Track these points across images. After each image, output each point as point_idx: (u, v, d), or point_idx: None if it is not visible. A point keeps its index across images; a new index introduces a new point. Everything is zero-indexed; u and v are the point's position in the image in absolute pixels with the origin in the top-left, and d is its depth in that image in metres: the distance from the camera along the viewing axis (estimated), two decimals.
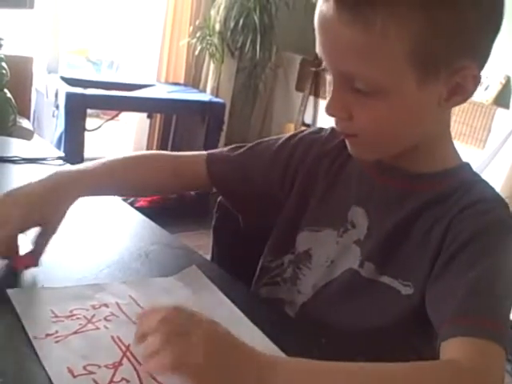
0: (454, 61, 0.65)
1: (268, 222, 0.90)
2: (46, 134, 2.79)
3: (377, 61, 0.65)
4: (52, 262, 0.82)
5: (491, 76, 2.72)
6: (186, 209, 2.88)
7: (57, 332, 0.63)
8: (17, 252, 0.75)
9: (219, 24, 3.11)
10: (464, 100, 0.69)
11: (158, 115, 3.29)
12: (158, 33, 3.18)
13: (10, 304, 0.67)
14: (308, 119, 3.41)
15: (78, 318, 0.67)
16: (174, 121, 3.33)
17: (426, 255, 0.70)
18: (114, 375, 0.58)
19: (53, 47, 2.93)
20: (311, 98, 3.36)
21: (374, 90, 0.66)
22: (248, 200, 0.91)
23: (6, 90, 2.34)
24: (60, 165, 1.26)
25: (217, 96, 3.21)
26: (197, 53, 3.16)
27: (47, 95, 2.75)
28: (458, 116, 2.70)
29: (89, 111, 2.78)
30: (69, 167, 0.85)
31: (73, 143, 2.61)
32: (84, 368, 0.58)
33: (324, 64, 0.69)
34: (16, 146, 1.40)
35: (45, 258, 0.83)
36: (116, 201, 1.17)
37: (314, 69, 3.21)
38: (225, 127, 3.17)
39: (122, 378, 0.58)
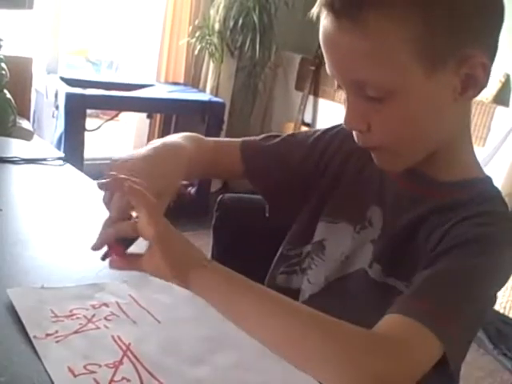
0: (458, 50, 0.65)
1: (295, 212, 0.90)
2: (46, 135, 2.79)
3: (381, 63, 0.65)
4: (52, 261, 0.82)
5: (491, 74, 2.72)
6: (185, 209, 2.88)
7: (57, 332, 0.63)
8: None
9: (218, 23, 3.11)
10: (478, 92, 0.68)
11: (158, 115, 3.29)
12: (157, 32, 3.18)
13: (10, 304, 0.67)
14: (308, 118, 3.41)
15: (78, 318, 0.67)
16: (174, 121, 3.33)
17: (425, 258, 0.70)
18: (114, 374, 0.58)
19: (52, 48, 2.93)
20: (311, 97, 3.36)
21: (385, 95, 0.66)
22: (280, 189, 0.90)
23: (5, 91, 2.33)
24: (60, 165, 1.26)
25: (216, 95, 3.21)
26: (196, 52, 3.16)
27: (47, 96, 2.75)
28: None
29: (88, 111, 2.78)
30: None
31: (73, 143, 2.61)
32: (84, 367, 0.58)
33: (336, 82, 0.70)
34: (16, 147, 1.40)
35: (45, 257, 0.83)
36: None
37: (313, 68, 3.21)
38: (224, 126, 3.17)
39: (123, 378, 0.58)
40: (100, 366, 0.59)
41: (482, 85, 0.67)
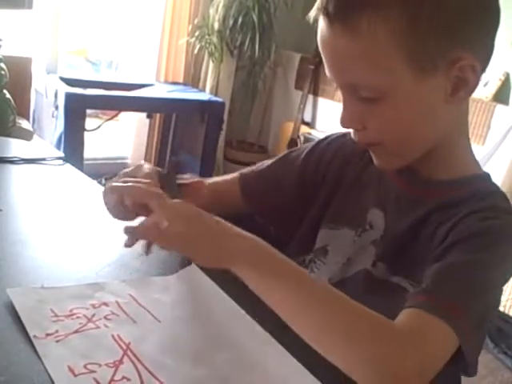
0: (448, 53, 0.66)
1: (298, 225, 0.91)
2: (46, 135, 2.79)
3: (373, 66, 0.66)
4: (52, 261, 0.82)
5: (490, 72, 2.72)
6: None
7: (57, 331, 0.63)
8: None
9: (218, 23, 3.11)
10: (469, 94, 0.69)
11: (158, 115, 3.29)
12: (156, 32, 3.18)
13: (10, 303, 0.67)
14: (307, 117, 3.41)
15: (78, 317, 0.67)
16: (174, 120, 3.33)
17: (430, 254, 0.71)
18: (114, 374, 0.58)
19: (52, 47, 2.93)
20: (310, 96, 3.36)
21: (378, 96, 0.68)
22: (281, 211, 0.93)
23: (5, 91, 2.34)
24: (60, 165, 1.26)
25: (216, 95, 3.21)
26: (196, 52, 3.16)
27: (46, 95, 2.75)
28: None
29: (88, 111, 2.78)
30: None
31: (72, 143, 2.61)
32: (85, 367, 0.58)
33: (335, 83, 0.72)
34: (15, 147, 1.40)
35: (45, 257, 0.83)
36: None
37: (312, 67, 3.21)
38: (224, 126, 3.17)
39: (123, 377, 0.58)
40: (100, 365, 0.59)
41: (472, 87, 0.68)
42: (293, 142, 3.32)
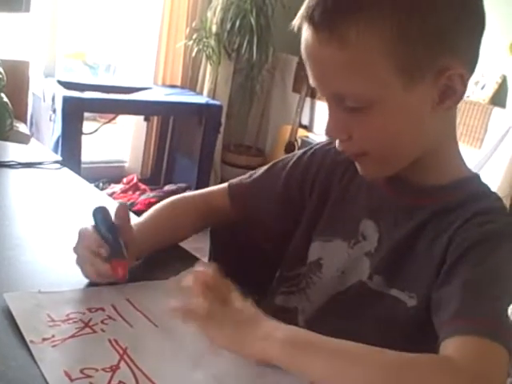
0: (435, 61, 0.65)
1: (289, 237, 0.91)
2: (44, 138, 2.78)
3: (360, 76, 0.66)
4: (49, 265, 0.82)
5: (487, 75, 2.73)
6: None
7: (53, 336, 0.63)
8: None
9: (216, 26, 3.12)
10: (456, 102, 0.69)
11: (155, 118, 3.29)
12: (154, 35, 3.18)
13: (6, 308, 0.67)
14: (305, 120, 3.41)
15: (74, 322, 0.67)
16: (171, 123, 3.33)
17: (430, 265, 0.71)
18: (111, 378, 0.58)
19: (49, 51, 2.93)
20: (308, 100, 3.36)
21: (364, 105, 0.67)
22: (270, 224, 0.93)
23: (2, 95, 2.33)
24: (57, 169, 1.26)
25: (214, 98, 3.21)
26: (193, 55, 3.16)
27: (44, 99, 2.75)
28: None
29: (86, 114, 2.77)
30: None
31: (70, 147, 2.60)
32: (81, 372, 0.58)
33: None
34: (13, 151, 1.40)
35: (42, 262, 0.83)
36: (113, 204, 1.17)
37: None
38: (222, 129, 3.17)
39: (120, 382, 0.58)
40: (97, 370, 0.59)
41: (460, 95, 0.68)
42: (290, 145, 3.32)
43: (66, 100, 2.56)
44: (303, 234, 0.88)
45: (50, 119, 2.65)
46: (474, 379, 0.57)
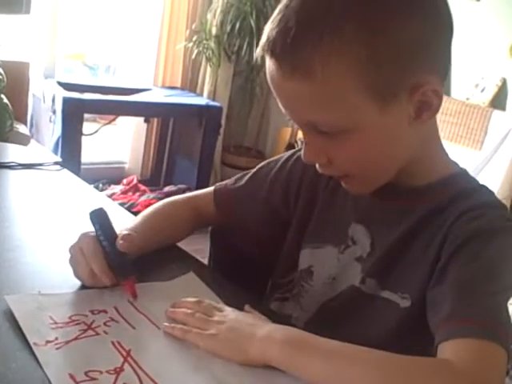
0: (408, 81, 0.64)
1: (279, 243, 0.90)
2: (44, 139, 2.78)
3: (330, 106, 0.64)
4: (49, 267, 0.81)
5: (487, 78, 2.73)
6: None
7: (57, 339, 0.63)
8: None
9: (216, 28, 3.12)
10: (432, 115, 0.68)
11: (155, 119, 3.29)
12: (154, 37, 3.18)
13: (7, 310, 0.67)
14: None
15: (77, 324, 0.67)
16: (171, 125, 3.33)
17: (425, 264, 0.71)
18: (116, 380, 0.58)
19: (49, 52, 2.93)
20: None
21: (340, 131, 0.65)
22: (255, 230, 0.93)
23: (2, 96, 2.33)
24: (57, 170, 1.26)
25: (214, 100, 3.21)
26: (193, 57, 3.16)
27: (44, 100, 2.75)
28: (455, 118, 2.70)
29: (86, 116, 2.77)
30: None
31: (70, 148, 2.60)
32: (86, 374, 0.58)
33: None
34: (13, 152, 1.39)
35: (42, 263, 0.83)
36: (113, 206, 1.17)
37: None
38: (222, 131, 3.17)
39: None
40: (101, 372, 0.59)
41: (436, 108, 0.67)
42: (290, 147, 3.32)
43: (65, 101, 2.56)
44: (292, 241, 0.87)
45: (50, 120, 2.65)
46: (472, 382, 0.57)
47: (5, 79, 2.35)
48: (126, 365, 0.61)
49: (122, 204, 2.63)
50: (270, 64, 0.65)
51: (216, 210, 0.94)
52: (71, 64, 4.36)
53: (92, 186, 1.28)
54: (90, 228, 0.78)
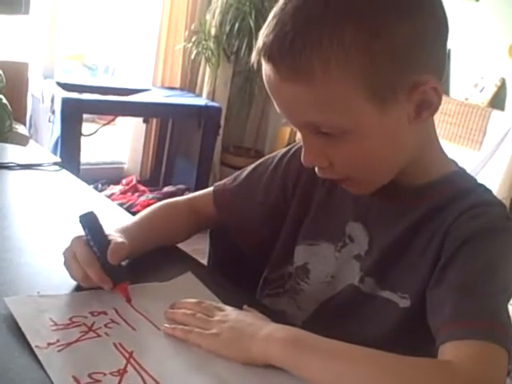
0: (407, 80, 0.63)
1: (274, 240, 0.90)
2: (43, 140, 2.78)
3: (330, 107, 0.63)
4: (48, 268, 0.81)
5: (486, 78, 2.73)
6: None
7: (58, 341, 0.63)
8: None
9: (215, 28, 3.12)
10: (433, 113, 0.68)
11: (154, 120, 3.29)
12: (153, 37, 3.18)
13: (5, 311, 0.67)
14: None
15: (78, 326, 0.66)
16: (170, 125, 3.33)
17: (425, 264, 0.71)
18: (120, 382, 0.58)
19: (48, 52, 2.93)
20: None
21: (340, 132, 0.65)
22: (253, 228, 0.92)
23: (1, 96, 2.33)
24: (56, 170, 1.26)
25: (213, 100, 3.21)
26: (193, 57, 3.16)
27: (43, 101, 2.75)
28: (454, 118, 2.70)
29: (85, 116, 2.77)
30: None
31: (69, 148, 2.60)
32: (89, 376, 0.58)
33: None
34: (12, 152, 1.39)
35: (41, 264, 0.83)
36: (112, 206, 1.16)
37: None
38: (221, 131, 3.17)
39: None
40: (105, 374, 0.59)
41: (436, 105, 0.66)
42: None
43: (64, 101, 2.56)
44: (287, 236, 0.87)
45: (49, 121, 2.65)
46: (473, 383, 0.57)
47: (4, 80, 2.35)
48: (129, 366, 0.61)
49: (121, 204, 2.63)
50: (267, 68, 0.65)
51: (216, 211, 0.93)
52: (70, 64, 4.36)
53: (91, 186, 1.28)
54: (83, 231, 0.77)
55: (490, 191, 0.75)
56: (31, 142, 2.57)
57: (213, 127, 3.04)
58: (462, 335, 0.60)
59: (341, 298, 0.79)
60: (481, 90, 2.75)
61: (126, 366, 0.60)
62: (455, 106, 2.69)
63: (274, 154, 0.93)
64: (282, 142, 3.43)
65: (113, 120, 3.32)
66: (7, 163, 1.22)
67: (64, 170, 1.27)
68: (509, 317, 0.62)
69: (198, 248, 1.09)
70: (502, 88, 2.74)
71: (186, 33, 3.14)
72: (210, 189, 0.96)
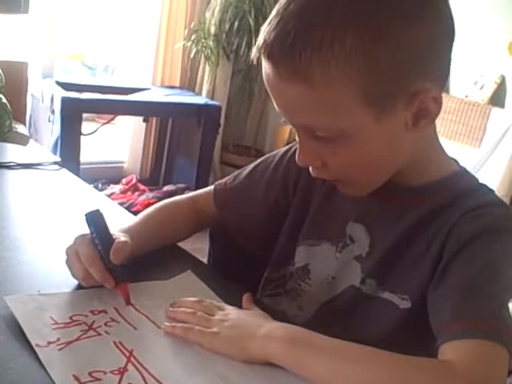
0: (406, 88, 0.63)
1: (274, 240, 0.90)
2: (42, 139, 2.78)
3: (327, 110, 0.63)
4: (49, 267, 0.81)
5: (486, 76, 2.73)
6: None
7: (58, 339, 0.63)
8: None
9: (214, 27, 3.11)
10: (431, 122, 0.67)
11: (154, 119, 3.29)
12: (153, 36, 3.18)
13: (5, 310, 0.67)
14: None
15: (78, 325, 0.66)
16: (170, 124, 3.33)
17: (426, 264, 0.70)
18: (120, 381, 0.58)
19: (48, 52, 2.92)
20: None
21: (336, 136, 0.65)
22: (253, 227, 0.92)
23: (1, 96, 2.33)
24: (56, 170, 1.26)
25: (212, 99, 3.21)
26: (192, 56, 3.16)
27: (43, 100, 2.75)
28: (454, 115, 2.70)
29: (84, 115, 2.77)
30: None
31: (69, 148, 2.60)
32: (90, 375, 0.58)
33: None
34: (12, 152, 1.39)
35: (41, 263, 0.83)
36: (112, 205, 1.16)
37: None
38: (221, 130, 3.17)
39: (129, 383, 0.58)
40: (105, 372, 0.59)
41: (435, 115, 0.66)
42: None
43: (64, 101, 2.55)
44: (288, 236, 0.87)
45: (49, 120, 2.65)
46: (473, 382, 0.57)
47: (3, 79, 2.35)
48: (130, 365, 0.61)
49: (121, 204, 2.63)
50: (266, 66, 0.65)
51: (216, 210, 0.93)
52: (70, 64, 4.36)
53: (91, 185, 1.28)
54: (87, 229, 0.77)
55: (492, 191, 0.75)
56: (31, 141, 2.56)
57: (212, 126, 3.04)
58: (463, 335, 0.60)
59: (342, 299, 0.79)
60: (481, 88, 2.75)
61: (126, 365, 0.61)
62: (455, 104, 2.69)
63: (274, 152, 0.93)
64: (281, 140, 3.43)
65: (112, 119, 3.31)
66: (7, 163, 1.22)
67: (64, 170, 1.27)
68: (510, 317, 0.62)
69: (199, 247, 1.09)
70: (501, 85, 2.74)
71: (186, 31, 3.14)
72: (211, 187, 0.96)
